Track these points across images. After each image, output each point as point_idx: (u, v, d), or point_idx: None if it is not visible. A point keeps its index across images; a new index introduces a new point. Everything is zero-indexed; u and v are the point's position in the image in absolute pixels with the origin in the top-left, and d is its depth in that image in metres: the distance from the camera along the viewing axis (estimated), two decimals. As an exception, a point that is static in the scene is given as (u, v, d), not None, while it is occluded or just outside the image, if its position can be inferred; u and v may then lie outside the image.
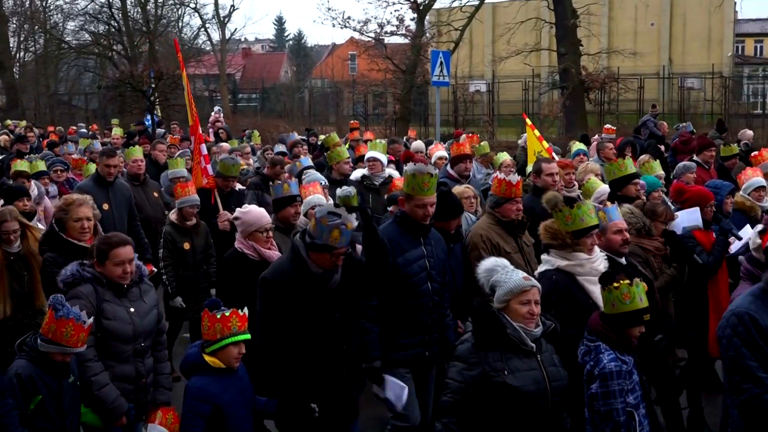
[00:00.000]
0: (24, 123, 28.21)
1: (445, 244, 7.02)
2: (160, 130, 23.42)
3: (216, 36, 54.40)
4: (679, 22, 52.84)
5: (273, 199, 8.28)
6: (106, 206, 9.75)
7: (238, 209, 7.21)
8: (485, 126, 33.72)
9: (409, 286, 6.53)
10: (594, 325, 5.44)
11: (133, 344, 5.95)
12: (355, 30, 38.12)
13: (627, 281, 5.27)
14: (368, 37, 38.08)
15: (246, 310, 5.47)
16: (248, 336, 5.49)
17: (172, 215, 9.49)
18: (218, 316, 5.39)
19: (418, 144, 15.25)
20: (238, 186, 11.20)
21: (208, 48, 55.51)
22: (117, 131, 20.75)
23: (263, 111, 48.75)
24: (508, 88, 38.86)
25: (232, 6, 73.54)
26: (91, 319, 5.47)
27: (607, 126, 19.62)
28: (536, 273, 6.31)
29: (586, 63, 32.73)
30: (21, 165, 11.59)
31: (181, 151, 15.32)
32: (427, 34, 36.84)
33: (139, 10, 49.38)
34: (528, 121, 14.11)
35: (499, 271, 5.21)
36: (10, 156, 15.93)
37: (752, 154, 13.54)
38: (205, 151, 10.90)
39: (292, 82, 59.03)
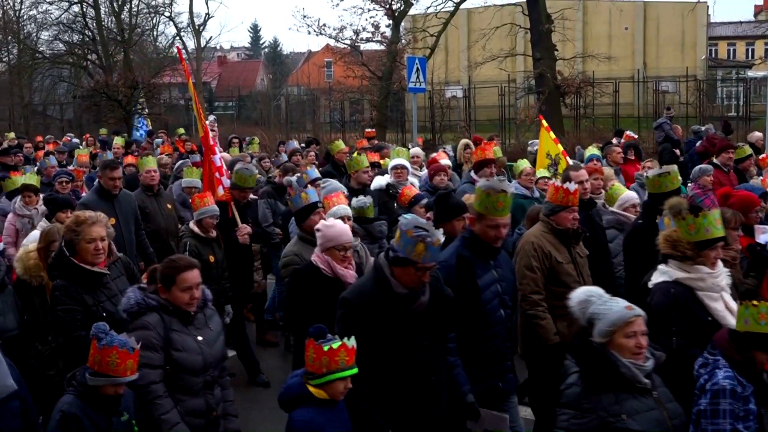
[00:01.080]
0: (12, 135, 27.51)
1: (511, 262, 6.61)
2: (158, 140, 22.68)
3: (191, 44, 54.34)
4: (653, 26, 53.25)
5: (295, 211, 8.03)
6: (112, 221, 9.17)
7: (321, 222, 6.81)
8: (462, 131, 33.73)
9: (482, 315, 6.02)
10: (719, 340, 4.97)
11: (204, 375, 5.55)
12: (330, 37, 38.19)
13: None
14: (344, 44, 38.15)
15: (354, 342, 4.87)
16: (356, 370, 4.90)
17: (193, 227, 9.04)
18: (325, 349, 4.81)
19: (416, 150, 15.00)
20: (251, 196, 10.87)
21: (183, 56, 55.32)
22: (118, 141, 20.24)
23: (239, 119, 48.66)
24: (485, 93, 38.92)
25: (207, 14, 73.71)
26: (136, 345, 5.10)
27: (629, 132, 18.85)
28: (650, 284, 5.90)
29: (561, 68, 32.86)
30: (30, 178, 11.16)
31: (182, 161, 15.04)
32: (403, 41, 36.89)
33: (114, 19, 49.16)
34: (544, 123, 13.85)
35: (595, 301, 4.78)
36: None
37: (761, 156, 13.42)
38: (219, 163, 10.48)
39: (268, 89, 58.92)
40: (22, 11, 51.44)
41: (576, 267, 7.11)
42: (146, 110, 27.42)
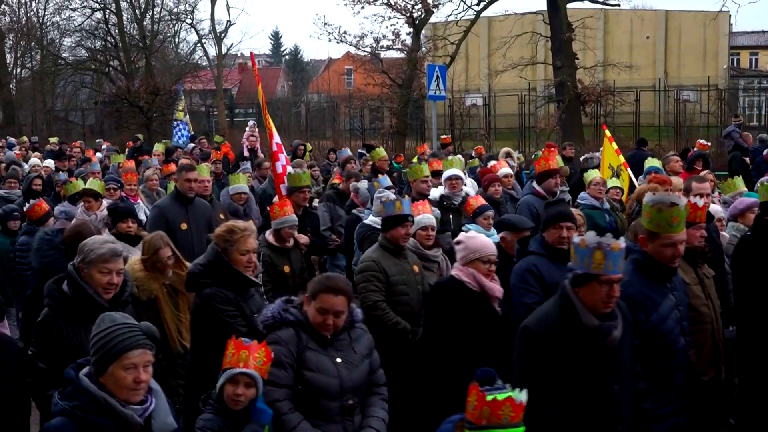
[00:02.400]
0: (55, 139, 27.37)
1: (683, 284, 5.97)
2: (206, 149, 21.76)
3: (212, 51, 54.47)
4: (675, 35, 53.02)
5: (383, 218, 7.67)
6: (184, 226, 9.29)
7: (463, 234, 6.50)
8: (482, 139, 33.70)
9: (664, 347, 5.48)
10: None
11: (341, 400, 5.14)
12: (351, 45, 38.18)
13: None
14: (364, 51, 38.18)
15: (524, 397, 3.91)
16: (522, 429, 3.96)
17: (269, 236, 8.50)
18: (488, 399, 3.92)
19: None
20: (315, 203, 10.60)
21: (204, 63, 55.59)
22: (159, 147, 19.71)
23: (260, 125, 48.66)
24: (505, 101, 38.90)
25: (229, 21, 73.89)
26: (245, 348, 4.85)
27: (701, 141, 17.90)
28: None
29: (581, 76, 32.80)
30: (92, 183, 10.81)
31: (244, 167, 14.76)
32: (423, 49, 36.87)
33: (136, 26, 49.48)
34: (607, 132, 13.51)
35: None
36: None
37: None
38: (279, 170, 10.31)
39: (288, 96, 59.12)
40: (46, 18, 51.96)
41: (704, 288, 6.42)
42: (185, 114, 26.72)
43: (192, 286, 6.34)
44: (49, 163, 17.96)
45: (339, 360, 5.16)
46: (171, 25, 53.66)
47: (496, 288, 6.30)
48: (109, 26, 49.03)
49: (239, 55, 69.34)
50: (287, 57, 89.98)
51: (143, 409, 4.12)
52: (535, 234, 7.15)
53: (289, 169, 10.89)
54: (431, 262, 8.01)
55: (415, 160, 16.10)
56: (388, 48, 37.15)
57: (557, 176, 10.38)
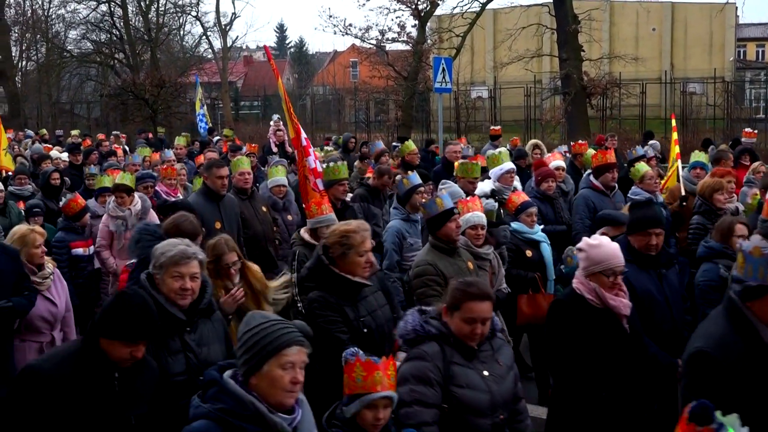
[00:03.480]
0: (77, 131, 27.07)
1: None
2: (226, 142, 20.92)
3: (217, 44, 54.44)
4: (681, 27, 52.90)
5: (428, 218, 7.37)
6: (218, 224, 8.90)
7: (585, 240, 5.73)
8: (488, 132, 33.67)
9: None
10: None
11: (492, 417, 4.78)
12: (356, 37, 38.27)
13: None
14: (370, 44, 38.19)
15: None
16: None
17: (305, 234, 7.96)
18: None
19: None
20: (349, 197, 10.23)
21: (209, 56, 55.56)
22: (180, 141, 19.11)
23: (265, 118, 48.74)
24: (510, 93, 38.86)
25: (234, 14, 73.90)
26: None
27: (748, 130, 17.44)
28: None
29: (587, 68, 32.68)
30: (123, 178, 10.41)
31: (277, 160, 14.10)
32: (429, 41, 36.84)
33: (141, 18, 49.46)
34: (673, 122, 13.19)
35: None
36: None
37: None
38: (312, 165, 9.77)
39: (293, 89, 59.04)
40: (51, 10, 51.99)
41: None
42: (202, 105, 26.35)
43: (300, 289, 6.27)
44: (64, 156, 17.59)
45: (486, 373, 4.83)
46: (176, 18, 53.63)
47: (622, 304, 5.54)
48: (115, 19, 48.98)
49: (244, 47, 69.42)
50: (292, 49, 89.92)
51: (292, 418, 3.83)
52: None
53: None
54: (483, 261, 7.72)
55: (468, 161, 15.58)
56: (394, 40, 37.20)
57: (614, 170, 10.20)
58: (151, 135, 25.35)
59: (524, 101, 37.89)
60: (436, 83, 19.87)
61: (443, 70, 19.64)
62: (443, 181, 9.52)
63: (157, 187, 11.61)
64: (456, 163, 11.09)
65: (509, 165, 10.70)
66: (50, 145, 21.60)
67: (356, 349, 4.48)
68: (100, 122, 45.21)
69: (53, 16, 52.40)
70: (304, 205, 9.20)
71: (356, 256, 5.77)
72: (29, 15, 51.46)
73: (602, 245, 5.60)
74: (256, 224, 9.96)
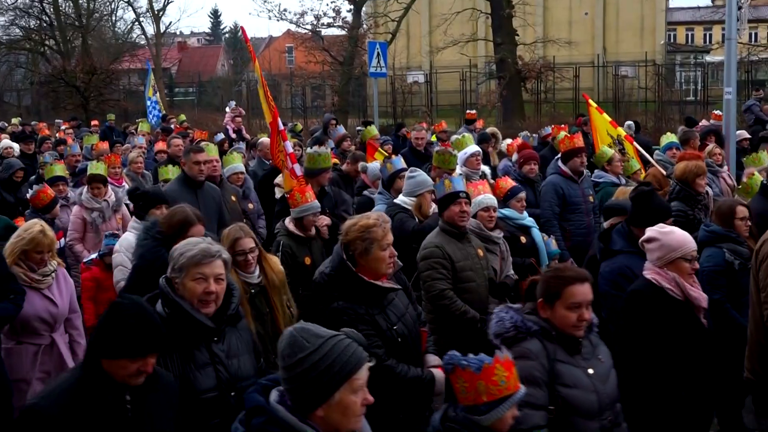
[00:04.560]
0: (17, 120, 26.15)
1: None
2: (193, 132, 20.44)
3: (150, 30, 53.69)
4: (613, 11, 53.51)
5: (438, 199, 7.17)
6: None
7: (654, 229, 5.41)
8: (424, 116, 33.82)
9: None
10: None
11: (599, 420, 4.42)
12: (291, 22, 38.20)
13: None
14: (305, 29, 38.05)
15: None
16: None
17: (290, 225, 7.72)
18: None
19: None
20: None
21: (142, 42, 54.82)
22: (144, 126, 18.50)
23: (200, 105, 48.31)
24: (446, 78, 39.02)
25: (167, -1, 72.60)
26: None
27: (716, 112, 17.27)
28: None
29: (522, 53, 33.01)
30: (98, 168, 10.05)
31: (236, 146, 13.77)
32: (364, 26, 36.83)
33: (71, 4, 48.57)
34: (593, 103, 12.71)
35: None
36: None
37: None
38: (290, 150, 9.53)
39: (229, 75, 58.58)
40: (-23, -4, 50.74)
41: None
42: (155, 92, 25.72)
43: (318, 298, 5.61)
44: (15, 146, 16.66)
45: (591, 371, 4.44)
46: (107, 3, 52.80)
47: (702, 297, 5.31)
48: (44, 4, 48.04)
49: (178, 33, 68.50)
50: (227, 35, 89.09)
51: None
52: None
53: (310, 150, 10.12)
54: (494, 244, 7.51)
55: (434, 138, 15.16)
56: (329, 25, 37.09)
57: (583, 155, 9.77)
58: (96, 122, 24.79)
59: (460, 86, 38.07)
60: (371, 68, 19.88)
61: (378, 54, 19.65)
62: (412, 168, 8.97)
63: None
64: (435, 152, 10.43)
65: (474, 148, 10.47)
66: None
67: (456, 354, 3.87)
68: (31, 110, 44.37)
69: (-21, 3, 51.22)
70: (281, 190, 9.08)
71: (380, 251, 5.22)
72: (-46, 1, 50.22)
73: (674, 231, 5.38)
74: (225, 214, 9.28)
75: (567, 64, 37.26)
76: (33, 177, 12.85)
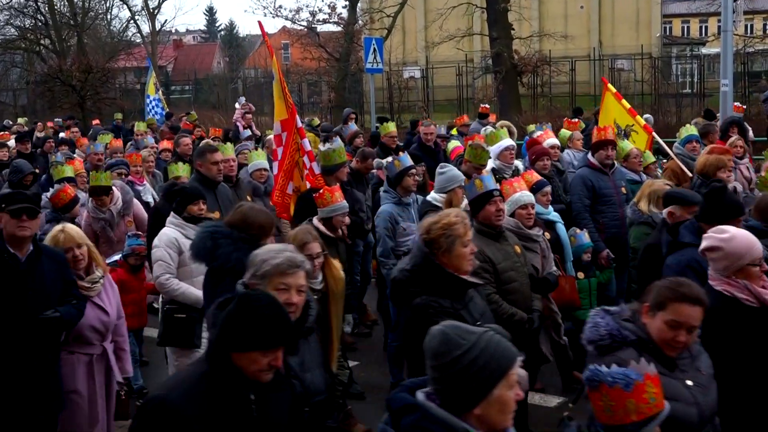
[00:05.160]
0: (24, 120, 25.82)
1: None
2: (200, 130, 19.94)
3: (146, 28, 53.75)
4: (608, 4, 53.41)
5: (470, 200, 6.95)
6: (216, 214, 8.13)
7: (713, 236, 4.95)
8: (421, 112, 33.81)
9: None
10: None
11: None
12: (287, 19, 38.15)
13: None
14: (300, 25, 38.04)
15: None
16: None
17: (319, 224, 7.60)
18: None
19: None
20: None
21: (138, 40, 54.75)
22: (140, 126, 18.06)
23: (197, 102, 48.26)
24: (442, 73, 39.01)
25: (162, -3, 72.78)
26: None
27: (737, 104, 16.95)
28: None
29: (518, 47, 32.98)
30: (101, 178, 9.63)
31: (241, 145, 13.55)
32: (360, 22, 36.83)
33: (66, 2, 48.51)
34: (611, 88, 12.33)
35: None
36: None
37: None
38: (308, 147, 9.40)
39: (225, 72, 58.49)
40: (-28, -4, 50.66)
41: None
42: (157, 89, 25.30)
43: (398, 295, 5.41)
44: (12, 144, 16.56)
45: (690, 383, 4.17)
46: (102, 2, 52.78)
47: None
48: (39, 4, 48.01)
49: (173, 31, 68.43)
50: (222, 33, 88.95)
51: None
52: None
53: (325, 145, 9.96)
54: (533, 242, 7.33)
55: (454, 131, 15.17)
56: (325, 21, 37.15)
57: (611, 147, 9.59)
58: (98, 121, 24.63)
59: (456, 80, 38.07)
60: (367, 64, 19.91)
61: (374, 50, 19.68)
62: (442, 164, 8.82)
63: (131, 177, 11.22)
64: (468, 145, 10.25)
65: (508, 141, 10.29)
66: (8, 134, 20.41)
67: (627, 369, 3.47)
68: (27, 110, 44.31)
69: (-26, 2, 51.15)
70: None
71: (462, 248, 5.15)
72: (-51, 1, 50.14)
73: (735, 235, 4.98)
74: None
75: (563, 57, 37.25)
76: (44, 176, 12.70)
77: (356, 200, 9.81)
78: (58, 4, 48.59)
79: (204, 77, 55.37)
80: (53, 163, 12.72)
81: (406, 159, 9.01)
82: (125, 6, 53.89)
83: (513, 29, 32.24)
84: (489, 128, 12.41)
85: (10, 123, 26.33)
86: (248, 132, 17.47)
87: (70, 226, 6.63)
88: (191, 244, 6.13)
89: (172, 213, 7.59)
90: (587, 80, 39.81)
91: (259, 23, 15.02)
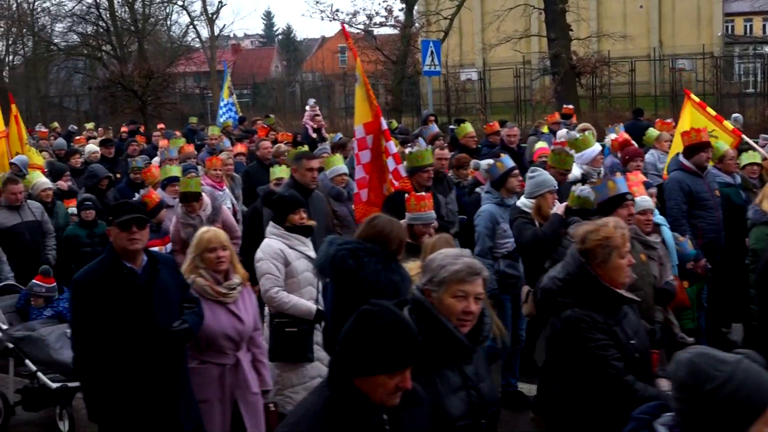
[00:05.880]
0: (91, 125, 25.68)
1: None
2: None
3: (205, 33, 54.27)
4: (668, 3, 52.77)
5: (600, 202, 6.70)
6: (312, 223, 7.79)
7: None
8: (478, 114, 33.66)
9: None
10: None
11: None
12: (344, 22, 38.10)
13: None
14: (357, 29, 38.07)
15: None
16: None
17: None
18: None
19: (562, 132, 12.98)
20: None
21: (197, 45, 55.39)
22: (214, 130, 17.72)
23: (255, 106, 48.67)
24: (500, 75, 38.81)
25: (220, 2, 73.40)
26: None
27: None
28: None
29: (576, 48, 32.68)
30: (191, 184, 9.51)
31: (320, 148, 13.30)
32: (417, 24, 36.79)
33: (127, 9, 49.31)
34: (695, 98, 11.89)
35: None
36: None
37: None
38: (394, 150, 9.23)
39: (282, 76, 58.91)
40: (36, 3, 51.84)
41: None
42: (231, 93, 25.02)
43: (547, 305, 5.05)
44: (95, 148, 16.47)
45: None
46: (162, 8, 53.50)
47: None
48: (101, 10, 48.90)
49: (232, 35, 69.10)
50: (280, 37, 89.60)
51: None
52: None
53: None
54: (651, 249, 7.09)
55: (545, 129, 14.94)
56: (381, 24, 37.12)
57: (709, 150, 9.23)
58: (162, 126, 24.77)
59: (514, 82, 37.84)
60: (425, 66, 19.88)
61: (432, 53, 19.64)
62: (533, 168, 8.49)
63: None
64: (551, 151, 9.94)
65: (599, 147, 10.13)
66: (83, 138, 20.77)
67: None
68: (90, 115, 45.08)
69: (38, 10, 52.27)
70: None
71: (619, 259, 4.81)
72: (14, 9, 51.20)
73: None
74: (330, 221, 9.21)
75: (622, 58, 36.82)
76: (124, 180, 12.87)
77: (437, 204, 9.38)
78: (120, 11, 49.47)
79: (262, 81, 55.81)
80: (133, 168, 12.83)
81: (509, 160, 8.73)
82: (185, 11, 54.69)
83: (571, 30, 31.95)
84: (574, 133, 12.16)
85: (75, 128, 26.73)
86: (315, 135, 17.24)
87: (215, 228, 6.49)
88: (321, 262, 5.73)
89: (271, 223, 7.34)
90: (647, 81, 39.30)
91: (342, 26, 14.83)
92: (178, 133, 19.67)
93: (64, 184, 13.11)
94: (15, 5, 51.21)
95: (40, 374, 8.04)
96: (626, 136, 11.61)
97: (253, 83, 53.42)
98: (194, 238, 6.27)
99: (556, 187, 7.89)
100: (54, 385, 7.91)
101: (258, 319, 6.54)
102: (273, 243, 7.06)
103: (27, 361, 8.09)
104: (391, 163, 9.22)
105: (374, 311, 3.40)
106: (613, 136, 11.89)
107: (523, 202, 7.96)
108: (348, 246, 5.56)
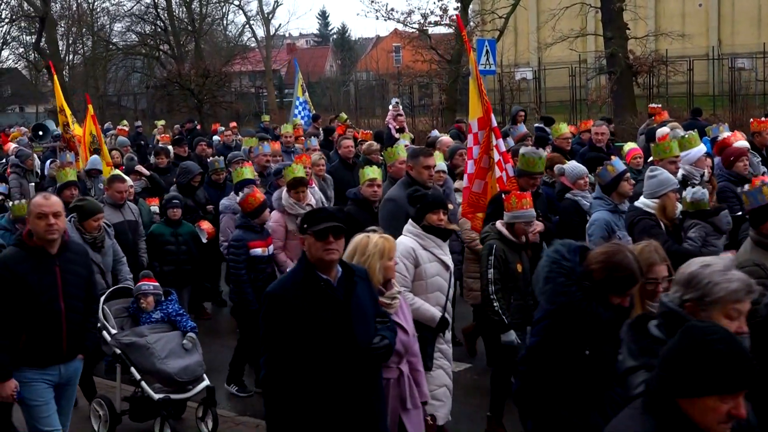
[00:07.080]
0: (162, 122, 26.23)
1: None
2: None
3: (260, 32, 54.88)
4: (728, 1, 51.93)
5: (752, 208, 6.25)
6: (455, 226, 7.82)
7: None
8: (533, 114, 33.48)
9: None
10: None
11: None
12: (398, 21, 38.13)
13: None
14: (412, 28, 38.04)
15: None
16: None
17: (502, 228, 7.40)
18: None
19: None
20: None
21: (253, 44, 55.89)
22: (287, 128, 17.70)
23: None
24: (555, 74, 38.53)
25: (276, 1, 74.03)
26: None
27: None
28: None
29: (633, 47, 32.28)
30: (297, 170, 9.40)
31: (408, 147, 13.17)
32: (471, 23, 36.64)
33: (184, 9, 49.91)
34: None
35: None
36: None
37: None
38: (503, 148, 8.98)
39: (337, 75, 59.15)
40: (96, 4, 52.76)
41: None
42: (304, 91, 24.82)
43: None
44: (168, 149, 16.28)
45: None
46: (219, 8, 54.14)
47: None
48: (159, 10, 49.60)
49: (287, 35, 69.51)
50: (335, 36, 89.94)
51: None
52: None
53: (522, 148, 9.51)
54: None
55: (659, 123, 14.29)
56: (436, 24, 37.00)
57: (745, 158, 8.97)
58: (218, 125, 24.84)
59: (569, 82, 37.51)
60: (480, 65, 19.76)
61: (487, 51, 19.51)
62: (652, 167, 8.11)
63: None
64: (652, 146, 9.86)
65: (704, 147, 9.68)
66: (167, 136, 20.98)
67: None
68: (147, 113, 45.72)
69: (98, 10, 53.22)
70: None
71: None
72: (75, 9, 52.15)
73: None
74: None
75: (680, 57, 36.29)
76: (205, 179, 12.60)
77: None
78: (177, 11, 50.13)
79: (317, 81, 56.08)
80: (214, 169, 12.65)
81: (619, 163, 8.42)
82: (241, 11, 55.17)
83: (628, 29, 31.58)
84: (679, 131, 11.80)
85: (111, 126, 26.81)
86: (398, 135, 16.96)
87: (381, 236, 5.75)
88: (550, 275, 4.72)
89: (410, 221, 7.13)
90: (705, 80, 38.69)
91: (457, 17, 14.67)
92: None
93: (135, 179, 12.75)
94: (75, 5, 52.23)
95: (143, 383, 7.86)
96: (739, 135, 10.81)
97: (307, 82, 53.67)
98: (371, 245, 5.60)
99: (678, 186, 7.67)
100: (156, 396, 7.75)
101: (413, 327, 6.10)
102: (406, 241, 6.90)
103: (132, 369, 7.89)
104: (502, 162, 8.91)
105: (705, 327, 3.13)
106: (726, 134, 11.08)
107: (644, 201, 7.68)
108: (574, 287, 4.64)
